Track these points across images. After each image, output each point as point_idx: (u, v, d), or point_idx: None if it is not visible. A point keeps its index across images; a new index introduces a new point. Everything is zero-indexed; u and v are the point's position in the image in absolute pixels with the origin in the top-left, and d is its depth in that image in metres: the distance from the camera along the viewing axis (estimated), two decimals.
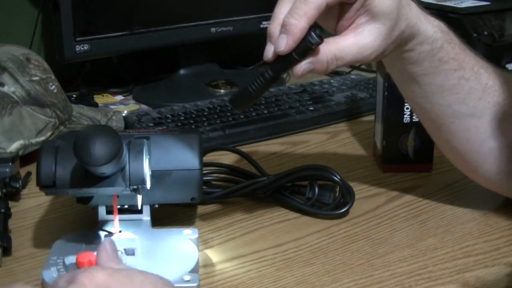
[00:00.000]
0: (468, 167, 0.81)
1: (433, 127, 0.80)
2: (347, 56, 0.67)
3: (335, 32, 0.69)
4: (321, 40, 0.65)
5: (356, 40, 0.67)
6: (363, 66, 1.46)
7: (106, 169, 0.63)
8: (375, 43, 0.67)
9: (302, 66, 0.66)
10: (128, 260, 0.66)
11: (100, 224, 0.73)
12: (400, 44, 0.70)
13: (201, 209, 0.83)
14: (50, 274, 0.65)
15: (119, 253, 0.66)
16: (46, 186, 0.66)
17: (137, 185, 0.67)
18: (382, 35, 0.67)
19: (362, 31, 0.67)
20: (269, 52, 0.67)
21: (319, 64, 0.66)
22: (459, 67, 0.74)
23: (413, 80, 0.75)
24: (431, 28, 0.71)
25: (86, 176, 0.65)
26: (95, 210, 0.73)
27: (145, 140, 0.69)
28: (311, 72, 0.67)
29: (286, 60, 0.66)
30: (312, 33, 0.65)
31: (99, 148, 0.59)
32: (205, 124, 1.06)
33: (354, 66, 1.45)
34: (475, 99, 0.75)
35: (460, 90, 0.75)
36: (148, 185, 0.68)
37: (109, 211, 0.72)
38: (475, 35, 1.31)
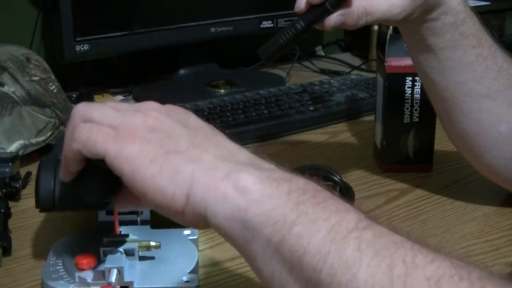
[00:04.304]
0: (474, 152, 0.81)
1: (444, 107, 0.80)
2: (377, 12, 0.70)
3: None
4: None
5: None
6: (363, 66, 1.46)
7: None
8: (404, 2, 0.70)
9: (334, 17, 0.69)
10: (128, 261, 0.66)
11: (100, 225, 0.73)
12: (426, 10, 0.72)
13: None
14: (50, 275, 0.65)
15: (119, 253, 0.66)
16: (46, 209, 0.65)
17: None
18: None
19: None
20: (301, 2, 0.69)
21: (350, 17, 0.69)
22: (478, 44, 0.75)
23: (432, 53, 0.75)
24: (456, 0, 0.73)
25: None
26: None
27: None
28: (341, 25, 0.69)
29: (318, 11, 0.68)
30: None
31: (99, 189, 0.57)
32: None
33: (354, 66, 1.45)
34: (491, 79, 0.76)
35: (477, 68, 0.75)
36: None
37: (109, 212, 0.72)
38: None
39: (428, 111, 0.88)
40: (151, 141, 0.50)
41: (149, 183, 0.49)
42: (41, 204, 0.64)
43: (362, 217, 0.45)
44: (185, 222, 0.49)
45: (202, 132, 0.53)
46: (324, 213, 0.45)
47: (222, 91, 1.27)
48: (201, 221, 0.48)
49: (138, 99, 1.25)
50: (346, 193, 0.83)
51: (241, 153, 0.52)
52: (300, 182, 0.48)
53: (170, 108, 0.55)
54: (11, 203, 0.81)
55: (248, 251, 0.47)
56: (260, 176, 0.47)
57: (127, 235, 0.69)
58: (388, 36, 0.90)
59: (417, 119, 0.92)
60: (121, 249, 0.66)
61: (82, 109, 0.54)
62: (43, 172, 0.65)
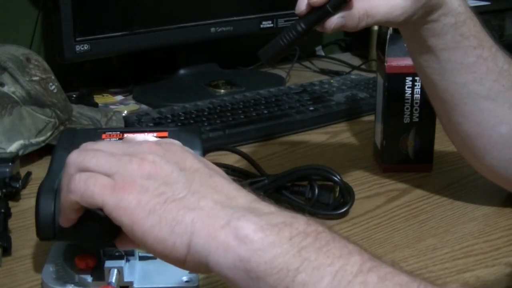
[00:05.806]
0: (475, 153, 0.80)
1: (445, 108, 0.79)
2: (378, 14, 0.69)
3: None
4: None
5: None
6: (363, 66, 1.46)
7: None
8: (406, 3, 0.70)
9: (335, 20, 0.68)
10: (128, 261, 0.66)
11: None
12: (427, 12, 0.71)
13: None
14: (50, 275, 0.65)
15: (119, 253, 0.66)
16: (46, 238, 0.63)
17: None
18: None
19: None
20: (302, 4, 0.69)
21: (351, 19, 0.69)
22: (478, 45, 0.74)
23: (433, 54, 0.75)
24: (456, 1, 0.73)
25: None
26: None
27: None
28: (342, 28, 0.69)
29: (319, 13, 0.68)
30: None
31: (98, 235, 0.56)
32: (205, 124, 1.06)
33: (354, 66, 1.45)
34: (491, 81, 0.76)
35: (477, 69, 0.75)
36: None
37: None
38: None
39: (428, 111, 0.88)
40: (149, 190, 0.50)
41: (149, 234, 0.49)
42: (41, 234, 0.62)
43: (365, 259, 0.45)
44: (186, 268, 0.49)
45: (200, 174, 0.52)
46: (327, 258, 0.45)
47: (222, 91, 1.27)
48: (203, 268, 0.48)
49: (138, 99, 1.25)
50: (346, 193, 0.83)
51: (240, 195, 0.51)
52: (301, 224, 0.47)
53: (167, 146, 0.54)
54: (11, 203, 0.81)
55: None
56: (260, 223, 0.47)
57: None
58: (388, 36, 0.90)
59: (417, 119, 0.92)
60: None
61: (76, 158, 0.53)
62: (42, 200, 0.62)
